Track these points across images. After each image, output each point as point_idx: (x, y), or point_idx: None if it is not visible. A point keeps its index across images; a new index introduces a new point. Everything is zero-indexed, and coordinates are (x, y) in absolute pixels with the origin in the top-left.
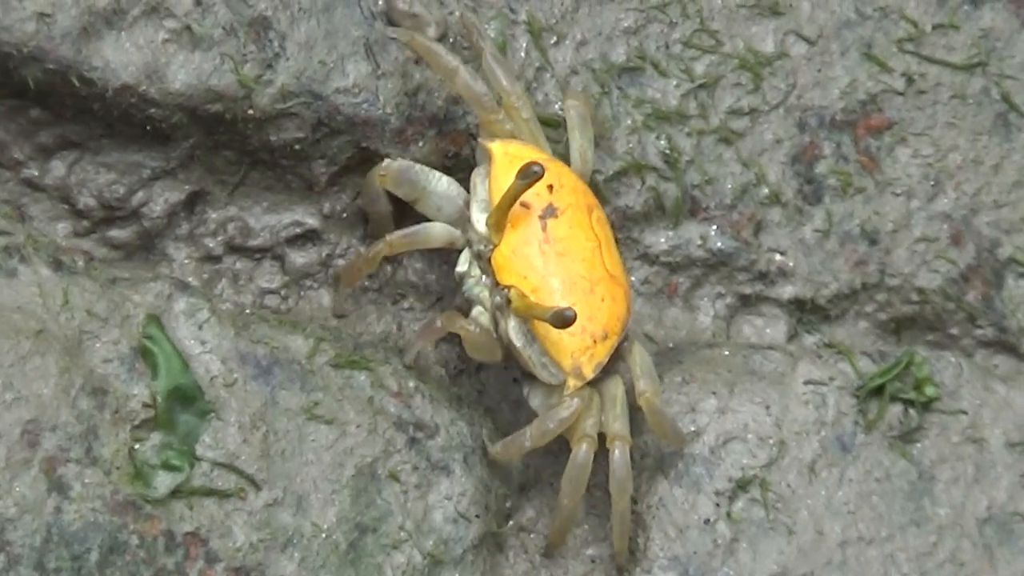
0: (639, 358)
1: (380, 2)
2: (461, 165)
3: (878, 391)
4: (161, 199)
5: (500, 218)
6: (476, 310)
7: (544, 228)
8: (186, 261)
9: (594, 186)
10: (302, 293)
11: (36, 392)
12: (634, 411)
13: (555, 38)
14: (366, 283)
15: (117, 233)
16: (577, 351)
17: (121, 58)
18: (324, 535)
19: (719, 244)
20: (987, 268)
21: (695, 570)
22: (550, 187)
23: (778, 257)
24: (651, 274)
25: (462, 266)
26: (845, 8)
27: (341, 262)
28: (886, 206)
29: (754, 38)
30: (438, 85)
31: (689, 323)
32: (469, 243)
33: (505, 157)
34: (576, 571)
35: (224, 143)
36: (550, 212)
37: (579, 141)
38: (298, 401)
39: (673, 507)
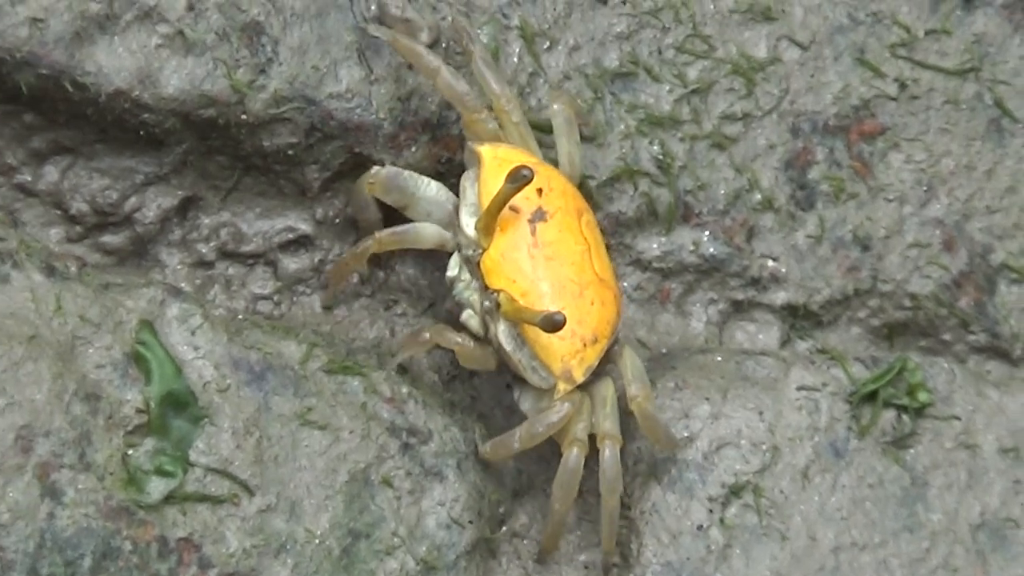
0: (630, 362)
1: (373, 7)
2: (454, 170)
3: (871, 397)
4: (154, 204)
5: (489, 222)
6: (466, 313)
7: (533, 232)
8: (179, 267)
9: (586, 191)
10: (295, 299)
11: (29, 398)
12: (626, 416)
13: (548, 43)
14: (359, 288)
15: (110, 239)
16: (567, 355)
17: (114, 63)
18: (317, 541)
19: (712, 250)
20: (980, 274)
21: None
22: (539, 191)
23: (771, 263)
24: (644, 280)
25: (452, 270)
26: (838, 13)
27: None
28: (879, 212)
29: (747, 43)
30: (431, 91)
31: (682, 329)
32: (459, 247)
33: (494, 161)
34: None
35: (217, 148)
36: (539, 216)
37: (566, 146)
38: (291, 407)
39: (666, 513)
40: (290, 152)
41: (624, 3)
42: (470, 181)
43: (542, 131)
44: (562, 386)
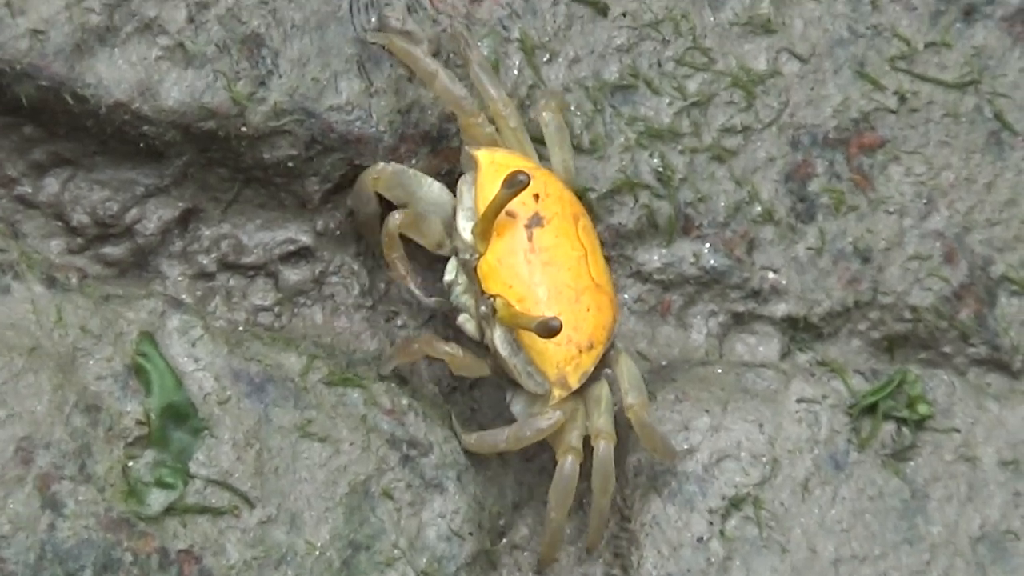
0: (626, 370)
1: (373, 20)
2: (454, 182)
3: (871, 409)
4: (155, 216)
5: (486, 227)
6: (462, 317)
7: (530, 237)
8: (179, 278)
9: (587, 204)
10: (295, 310)
11: (29, 409)
12: (626, 428)
13: (548, 55)
14: (360, 300)
15: (111, 250)
16: (562, 361)
17: (114, 75)
18: (318, 553)
19: (712, 262)
20: (980, 286)
21: None
22: (536, 196)
23: (771, 275)
24: (644, 292)
25: (449, 274)
26: (838, 26)
27: (334, 279)
28: (879, 224)
29: (747, 56)
30: (431, 103)
31: (682, 341)
32: (456, 251)
33: (491, 165)
34: None
35: (217, 160)
36: (536, 221)
37: (560, 154)
38: (291, 419)
39: (666, 525)
40: (290, 164)
41: (624, 15)
42: (467, 185)
43: (536, 142)
44: (557, 392)
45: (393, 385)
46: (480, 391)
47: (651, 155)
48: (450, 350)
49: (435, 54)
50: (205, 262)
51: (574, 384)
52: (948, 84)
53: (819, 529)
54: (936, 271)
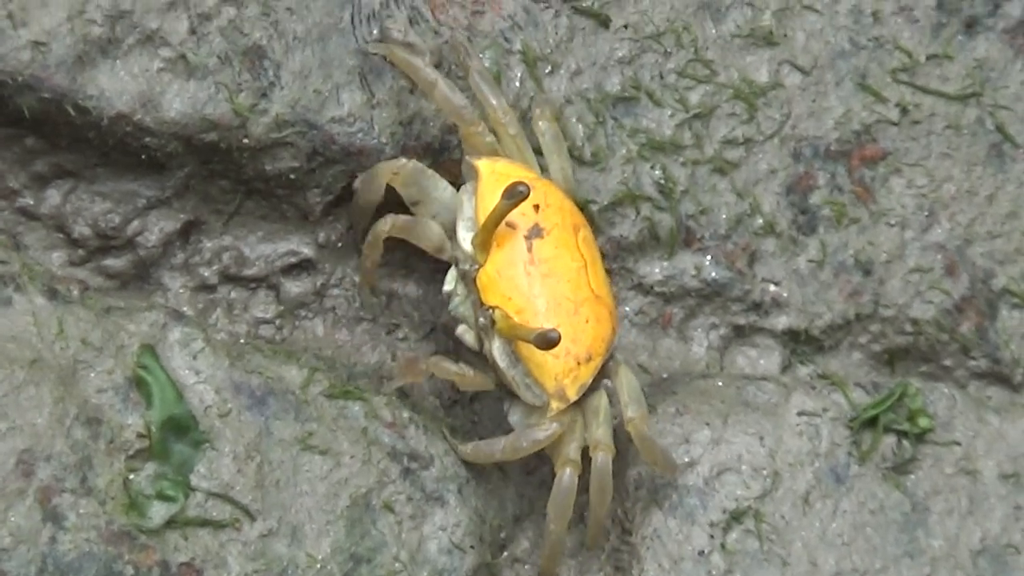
0: (626, 383)
1: (375, 32)
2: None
3: (872, 422)
4: (156, 228)
5: (486, 238)
6: (461, 328)
7: (530, 249)
8: (181, 290)
9: (588, 216)
10: (297, 323)
11: (30, 422)
12: (626, 441)
13: (550, 67)
14: (361, 313)
15: (112, 262)
16: (561, 373)
17: (116, 87)
18: (319, 566)
19: (713, 274)
20: (981, 299)
21: None
22: (536, 207)
23: (772, 288)
24: (645, 304)
25: (449, 285)
26: (839, 38)
27: (336, 292)
28: (880, 236)
29: (748, 68)
30: (433, 114)
31: (683, 354)
32: (455, 261)
33: (492, 175)
34: None
35: (219, 172)
36: (536, 232)
37: (558, 162)
38: (292, 431)
39: (667, 538)
40: (292, 176)
41: (626, 27)
42: (468, 195)
43: (534, 152)
44: (555, 404)
45: (394, 398)
46: (481, 404)
47: (653, 167)
48: (458, 370)
49: (437, 66)
50: (206, 274)
51: (572, 396)
52: (950, 96)
53: (820, 542)
54: (937, 284)
